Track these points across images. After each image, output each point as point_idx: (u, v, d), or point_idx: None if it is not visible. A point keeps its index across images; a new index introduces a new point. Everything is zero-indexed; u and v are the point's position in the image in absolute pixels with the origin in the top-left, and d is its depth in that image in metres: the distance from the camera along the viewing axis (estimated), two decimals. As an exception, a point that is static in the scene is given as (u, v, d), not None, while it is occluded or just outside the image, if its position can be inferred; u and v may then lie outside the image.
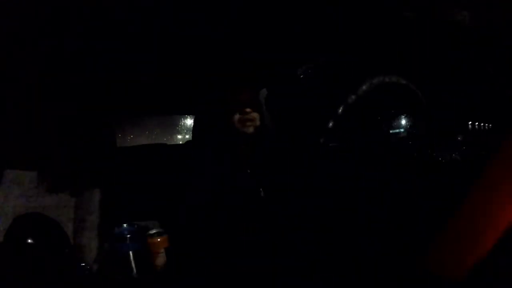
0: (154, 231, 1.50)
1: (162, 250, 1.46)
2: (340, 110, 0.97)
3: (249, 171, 1.42)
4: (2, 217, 1.50)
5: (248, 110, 1.42)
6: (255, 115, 1.44)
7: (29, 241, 1.39)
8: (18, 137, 1.60)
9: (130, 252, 1.47)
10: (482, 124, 1.21)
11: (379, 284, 1.03)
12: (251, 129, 1.43)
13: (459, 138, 1.18)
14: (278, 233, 1.33)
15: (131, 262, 1.46)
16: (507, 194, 0.71)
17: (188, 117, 2.93)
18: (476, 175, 0.79)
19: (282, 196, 1.40)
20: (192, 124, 1.94)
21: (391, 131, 1.17)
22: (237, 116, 1.42)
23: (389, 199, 1.07)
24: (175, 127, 3.06)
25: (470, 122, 1.25)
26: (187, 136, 3.01)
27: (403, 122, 1.17)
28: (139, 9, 1.37)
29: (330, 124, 0.98)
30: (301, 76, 1.96)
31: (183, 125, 3.06)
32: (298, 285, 1.21)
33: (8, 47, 1.40)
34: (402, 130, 1.17)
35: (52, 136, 1.69)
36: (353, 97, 0.98)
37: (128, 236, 1.48)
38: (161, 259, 1.45)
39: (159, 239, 1.46)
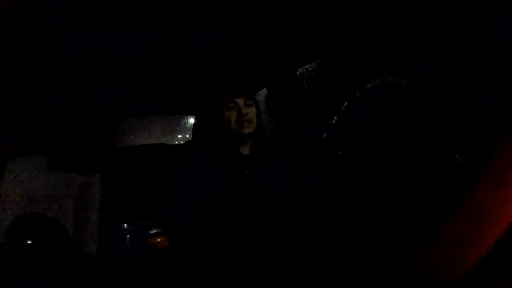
0: (154, 231, 1.50)
1: (162, 250, 1.46)
2: (344, 106, 0.98)
3: (247, 172, 1.42)
4: (10, 203, 1.51)
5: (245, 111, 1.42)
6: (252, 115, 1.44)
7: (30, 241, 1.39)
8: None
9: (130, 252, 1.47)
10: (482, 123, 1.21)
11: (379, 284, 1.03)
12: (248, 130, 1.43)
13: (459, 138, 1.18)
14: (277, 233, 1.33)
15: (131, 262, 1.47)
16: (507, 193, 0.71)
17: (188, 117, 2.92)
18: (477, 174, 0.79)
19: (282, 197, 1.40)
20: (192, 124, 1.94)
21: (392, 130, 1.18)
22: (234, 117, 1.42)
23: (390, 198, 1.07)
24: (175, 127, 3.06)
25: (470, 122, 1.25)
26: (187, 136, 3.00)
27: (404, 121, 1.18)
28: (139, 10, 1.37)
29: (334, 120, 0.98)
30: (302, 76, 1.97)
31: (183, 125, 3.05)
32: (297, 285, 1.21)
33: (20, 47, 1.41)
34: (403, 129, 1.18)
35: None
36: (358, 93, 0.98)
37: (128, 236, 1.48)
38: (161, 259, 1.45)
39: (159, 239, 1.46)
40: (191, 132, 1.87)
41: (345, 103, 0.98)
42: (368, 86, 1.00)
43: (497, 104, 1.22)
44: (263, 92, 2.29)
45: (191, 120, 2.53)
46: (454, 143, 1.14)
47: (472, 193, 0.77)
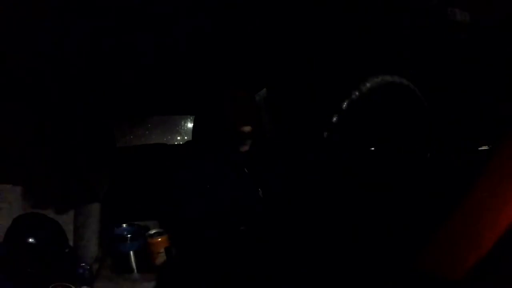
0: (154, 231, 1.50)
1: (162, 250, 1.46)
2: (344, 106, 0.98)
3: (247, 171, 1.43)
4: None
5: (245, 111, 1.42)
6: (252, 115, 1.45)
7: (30, 240, 1.39)
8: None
9: (130, 252, 1.47)
10: (482, 123, 1.22)
11: (379, 284, 1.03)
12: (248, 129, 1.43)
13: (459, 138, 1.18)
14: (276, 233, 1.33)
15: (131, 262, 1.47)
16: (507, 193, 0.71)
17: (188, 117, 2.92)
18: (477, 174, 0.79)
19: (281, 196, 1.40)
20: (192, 124, 1.93)
21: (392, 130, 1.18)
22: (234, 117, 1.43)
23: (390, 199, 1.07)
24: (175, 127, 3.06)
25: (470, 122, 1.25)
26: (186, 137, 3.00)
27: (404, 121, 1.18)
28: (139, 9, 1.37)
29: (334, 120, 0.98)
30: (302, 75, 1.96)
31: (183, 125, 3.05)
32: (297, 285, 1.21)
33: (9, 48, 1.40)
34: (403, 129, 1.18)
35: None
36: (358, 93, 0.98)
37: (128, 236, 1.48)
38: (161, 259, 1.45)
39: (159, 239, 1.46)
40: (191, 132, 1.87)
41: (345, 103, 0.98)
42: (368, 85, 1.00)
43: (497, 104, 1.22)
44: (263, 92, 2.29)
45: (191, 121, 2.53)
46: (454, 143, 1.14)
47: (472, 193, 0.77)
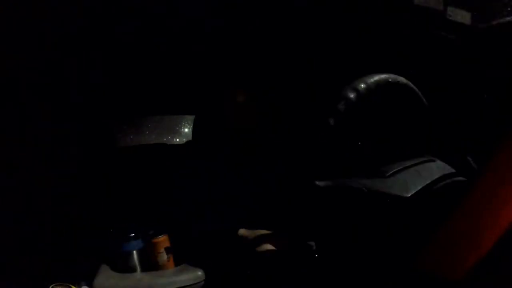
0: (154, 231, 1.50)
1: (162, 250, 1.46)
2: (341, 107, 0.97)
3: (247, 171, 1.43)
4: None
5: (245, 110, 1.43)
6: (252, 115, 1.45)
7: (30, 239, 1.39)
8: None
9: (134, 252, 1.47)
10: (482, 123, 1.22)
11: (379, 284, 1.03)
12: (248, 129, 1.43)
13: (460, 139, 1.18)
14: (278, 232, 1.33)
15: (133, 261, 1.47)
16: (508, 193, 0.71)
17: (188, 117, 2.92)
18: (477, 173, 0.79)
19: (281, 196, 1.40)
20: (192, 124, 1.93)
21: (391, 130, 1.18)
22: (234, 117, 1.43)
23: (390, 198, 1.07)
24: (175, 127, 3.06)
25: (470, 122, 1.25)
26: (185, 138, 3.00)
27: (403, 121, 1.18)
28: (140, 8, 1.37)
29: (331, 121, 0.97)
30: (302, 76, 1.97)
31: (183, 125, 3.05)
32: (297, 285, 1.21)
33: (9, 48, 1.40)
34: (402, 129, 1.18)
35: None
36: (356, 93, 0.98)
37: (131, 235, 1.49)
38: (161, 259, 1.45)
39: (159, 239, 1.46)
40: (191, 133, 1.88)
41: (342, 103, 0.98)
42: (367, 86, 1.00)
43: (497, 104, 1.22)
44: (264, 92, 2.29)
45: (191, 121, 2.53)
46: (455, 143, 1.14)
47: (472, 193, 0.77)
